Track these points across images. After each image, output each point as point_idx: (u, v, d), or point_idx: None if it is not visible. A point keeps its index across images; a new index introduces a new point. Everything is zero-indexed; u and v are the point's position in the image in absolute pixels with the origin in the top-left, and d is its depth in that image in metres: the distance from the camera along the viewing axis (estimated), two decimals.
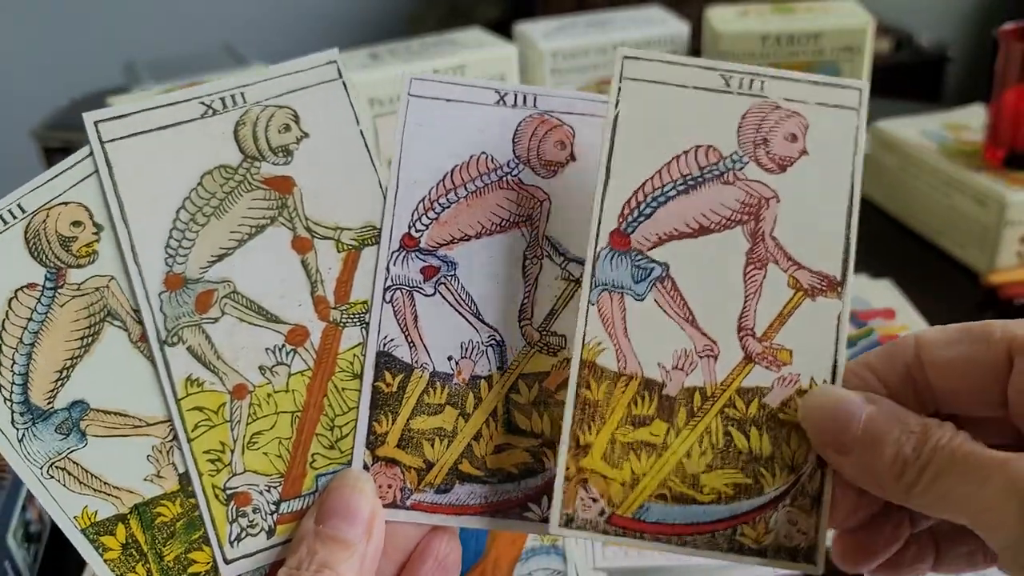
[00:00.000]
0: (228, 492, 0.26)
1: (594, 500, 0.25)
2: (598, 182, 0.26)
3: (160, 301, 0.26)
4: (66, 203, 0.26)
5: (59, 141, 0.71)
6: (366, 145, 0.28)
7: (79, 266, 0.26)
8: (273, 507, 0.27)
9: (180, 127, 0.27)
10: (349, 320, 0.28)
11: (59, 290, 0.26)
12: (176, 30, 1.58)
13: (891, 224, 0.69)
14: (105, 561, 0.26)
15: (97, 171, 0.26)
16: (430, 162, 0.28)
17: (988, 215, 0.59)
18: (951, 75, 1.62)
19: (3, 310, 0.26)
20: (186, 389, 0.26)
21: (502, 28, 0.68)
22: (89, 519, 0.26)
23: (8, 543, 0.40)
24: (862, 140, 0.27)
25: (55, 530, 0.44)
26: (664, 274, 0.26)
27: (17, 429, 0.26)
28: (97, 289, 0.26)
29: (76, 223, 0.26)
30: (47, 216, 0.26)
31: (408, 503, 0.27)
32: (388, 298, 0.28)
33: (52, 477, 0.26)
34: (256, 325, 0.27)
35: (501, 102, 0.28)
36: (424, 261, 0.28)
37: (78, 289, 0.26)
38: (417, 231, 0.28)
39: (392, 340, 0.28)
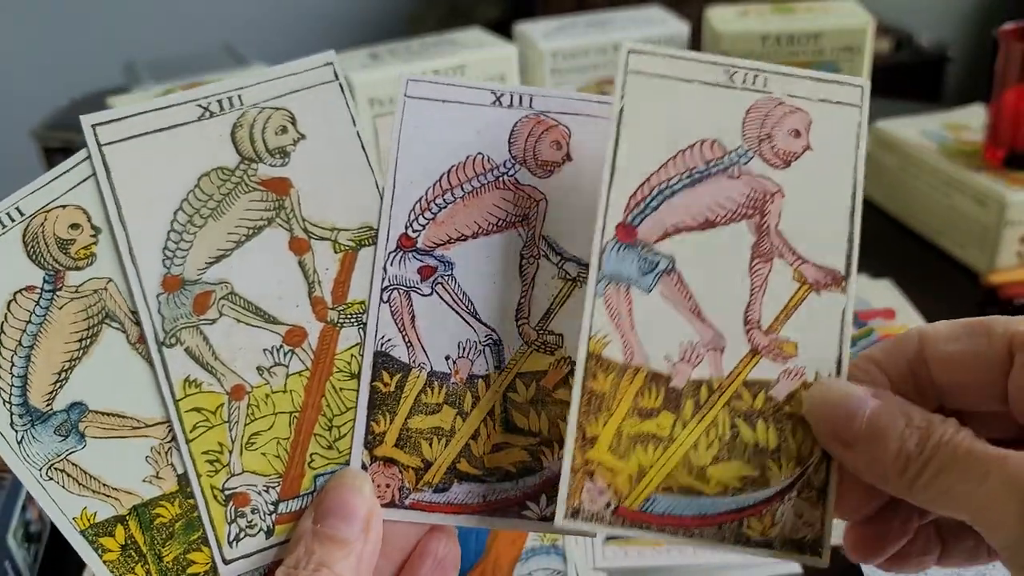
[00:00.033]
0: (227, 493, 0.27)
1: (600, 492, 0.25)
2: (603, 175, 0.26)
3: (158, 303, 0.26)
4: (64, 206, 0.26)
5: (59, 141, 0.71)
6: (363, 146, 0.28)
7: (77, 268, 0.26)
8: (271, 507, 0.27)
9: (177, 129, 0.27)
10: (346, 320, 0.28)
11: (57, 292, 0.26)
12: (176, 30, 1.58)
13: (891, 224, 0.69)
14: (104, 562, 0.26)
15: (95, 174, 0.26)
16: (427, 163, 0.28)
17: (988, 215, 0.59)
18: (951, 75, 1.62)
19: (2, 312, 0.26)
20: (184, 390, 0.26)
21: (502, 28, 0.68)
22: (88, 520, 0.26)
23: (8, 543, 0.40)
24: (864, 137, 0.27)
25: (55, 530, 0.44)
26: (670, 267, 0.26)
27: (16, 431, 0.26)
28: (95, 291, 0.26)
29: (74, 226, 0.26)
30: (45, 219, 0.26)
31: (406, 502, 0.27)
32: (385, 298, 0.28)
33: (51, 479, 0.26)
34: (254, 326, 0.27)
35: (497, 103, 0.29)
36: (421, 261, 0.28)
37: (76, 291, 0.26)
38: (414, 231, 0.28)
39: (389, 340, 0.28)
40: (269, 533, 0.27)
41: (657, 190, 0.26)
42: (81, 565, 0.41)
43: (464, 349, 0.28)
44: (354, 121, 0.28)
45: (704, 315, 0.26)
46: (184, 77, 0.64)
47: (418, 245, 0.28)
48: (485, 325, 0.28)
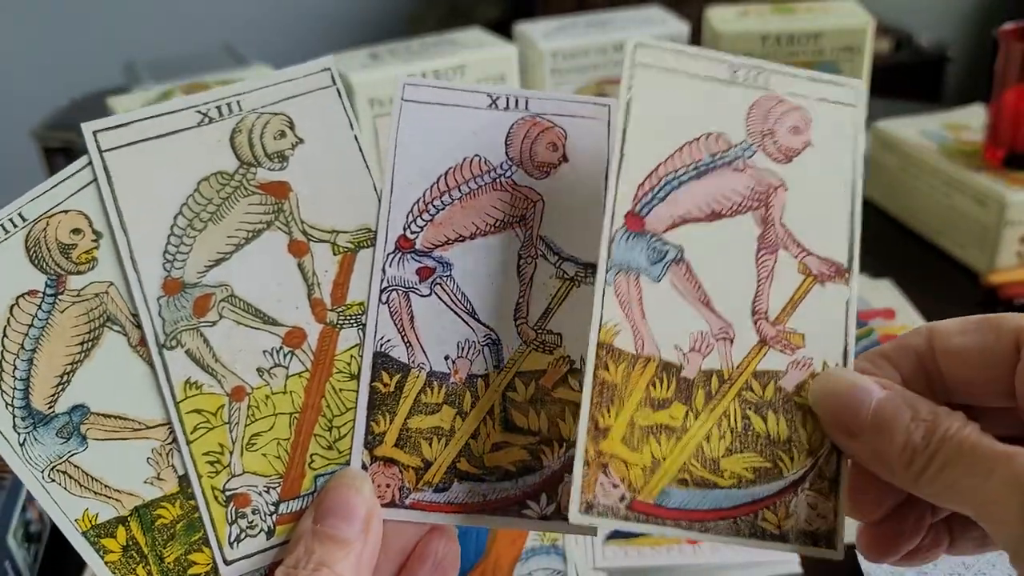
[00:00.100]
0: (227, 493, 0.27)
1: (615, 485, 0.25)
2: (611, 164, 0.26)
3: (159, 306, 0.27)
4: (66, 211, 0.26)
5: (59, 141, 0.71)
6: (360, 150, 0.29)
7: (79, 273, 0.26)
8: (272, 508, 0.27)
9: (177, 135, 0.27)
10: (346, 322, 0.28)
11: (59, 296, 0.26)
12: (176, 30, 1.58)
13: (891, 224, 0.69)
14: (106, 563, 0.26)
15: (96, 180, 0.27)
16: (424, 165, 0.28)
17: (988, 215, 0.59)
18: (951, 75, 1.62)
19: (5, 317, 0.26)
20: (185, 392, 0.27)
21: (502, 28, 0.68)
22: (90, 522, 0.26)
23: (8, 543, 0.40)
24: (861, 135, 0.28)
25: (55, 530, 0.44)
26: (679, 256, 0.26)
27: (19, 433, 0.26)
28: (97, 295, 0.27)
29: (76, 231, 0.26)
30: (47, 224, 0.26)
31: (407, 502, 0.27)
32: (384, 299, 0.28)
33: (53, 480, 0.26)
34: (254, 328, 0.27)
35: (493, 105, 0.29)
36: (420, 262, 0.28)
37: (78, 295, 0.26)
38: (412, 233, 0.28)
39: (389, 341, 0.28)
40: (270, 534, 0.27)
41: (664, 181, 0.27)
42: (81, 565, 0.41)
43: (463, 349, 0.28)
44: (352, 125, 0.28)
45: (713, 305, 0.26)
46: (184, 77, 0.64)
47: (416, 246, 0.28)
48: (484, 325, 0.28)
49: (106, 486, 0.26)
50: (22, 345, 0.26)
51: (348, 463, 0.27)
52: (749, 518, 0.25)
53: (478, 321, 0.28)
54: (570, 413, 0.28)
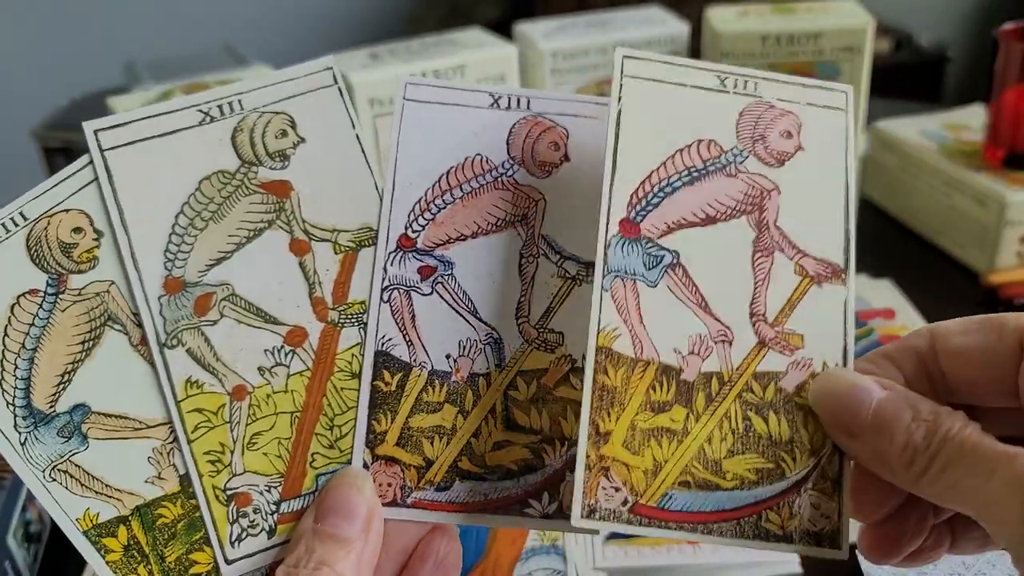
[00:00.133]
0: (228, 493, 0.27)
1: (616, 489, 0.25)
2: (605, 172, 0.27)
3: (160, 305, 0.27)
4: (67, 210, 0.26)
5: (59, 141, 0.71)
6: (362, 149, 0.29)
7: (80, 272, 0.26)
8: (273, 507, 0.27)
9: (178, 134, 0.27)
10: (347, 320, 0.28)
11: (60, 295, 0.26)
12: (176, 30, 1.58)
13: (891, 224, 0.69)
14: (107, 563, 0.26)
15: (97, 179, 0.27)
16: (426, 164, 0.28)
17: (988, 215, 0.59)
18: (951, 75, 1.62)
19: (6, 316, 0.26)
20: (186, 391, 0.27)
21: (502, 28, 0.68)
22: (91, 521, 0.26)
23: (8, 543, 0.40)
24: (852, 138, 0.28)
25: (55, 530, 0.44)
26: (675, 261, 0.27)
27: (20, 433, 0.26)
28: (98, 294, 0.27)
29: (77, 229, 0.26)
30: (48, 223, 0.26)
31: (408, 501, 0.27)
32: (386, 298, 0.28)
33: (54, 480, 0.26)
34: (255, 327, 0.27)
35: (495, 105, 0.29)
36: (421, 261, 0.28)
37: (79, 294, 0.26)
38: (414, 232, 0.28)
39: (390, 339, 0.28)
40: (271, 533, 0.27)
41: (658, 187, 0.27)
42: (81, 565, 0.41)
43: (465, 348, 0.28)
44: (353, 124, 0.28)
45: (711, 308, 0.26)
46: (184, 77, 0.64)
47: (418, 245, 0.28)
48: (485, 324, 0.28)
49: (107, 485, 0.26)
50: (23, 344, 0.26)
51: (349, 462, 0.27)
52: (752, 519, 0.25)
53: (479, 320, 0.28)
54: (572, 412, 0.28)
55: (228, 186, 0.27)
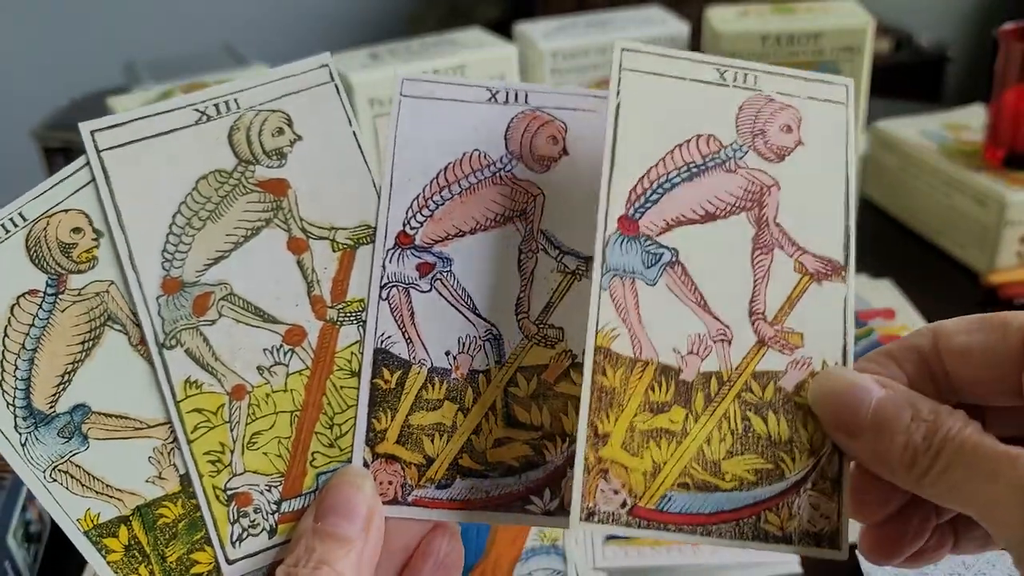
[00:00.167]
0: (229, 493, 0.27)
1: (615, 492, 0.25)
2: (603, 169, 0.26)
3: (158, 305, 0.27)
4: (66, 210, 0.26)
5: (59, 141, 0.71)
6: (359, 146, 0.28)
7: (79, 272, 0.26)
8: (274, 507, 0.27)
9: (175, 134, 0.27)
10: (346, 319, 0.28)
11: (60, 296, 0.26)
12: (176, 30, 1.58)
13: (891, 224, 0.69)
14: (108, 563, 0.26)
15: (94, 179, 0.27)
16: (423, 160, 0.28)
17: (988, 215, 0.59)
18: (951, 75, 1.62)
19: (5, 316, 0.26)
20: (185, 391, 0.27)
21: (502, 28, 0.68)
22: (92, 521, 0.26)
23: (8, 543, 0.40)
24: (852, 132, 0.28)
25: (55, 530, 0.44)
26: (674, 259, 0.26)
27: (20, 433, 0.26)
28: (97, 294, 0.26)
29: (76, 230, 0.26)
30: (48, 224, 0.26)
31: (409, 499, 0.27)
32: (384, 295, 0.28)
33: (55, 480, 0.26)
34: (253, 326, 0.27)
35: (493, 100, 0.29)
36: (419, 258, 0.28)
37: (79, 294, 0.26)
38: (412, 228, 0.28)
39: (389, 337, 0.28)
40: (272, 532, 0.27)
41: (657, 184, 0.27)
42: (81, 565, 0.41)
43: (464, 344, 0.28)
44: (350, 121, 0.28)
45: (710, 306, 0.26)
46: (184, 77, 0.64)
47: (416, 242, 0.28)
48: (485, 320, 0.28)
49: (108, 485, 0.26)
50: (23, 345, 0.26)
51: (350, 461, 0.27)
52: (752, 520, 0.25)
53: (479, 316, 0.28)
54: (572, 408, 0.27)
55: (225, 185, 0.27)
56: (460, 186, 0.28)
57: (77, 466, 0.26)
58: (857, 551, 0.27)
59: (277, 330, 0.27)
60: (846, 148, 0.28)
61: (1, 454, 0.26)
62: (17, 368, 0.26)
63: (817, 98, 0.28)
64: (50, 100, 0.84)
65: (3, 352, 0.26)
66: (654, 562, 0.39)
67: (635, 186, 0.26)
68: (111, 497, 0.26)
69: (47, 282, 0.26)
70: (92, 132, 0.27)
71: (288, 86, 0.28)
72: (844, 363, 0.26)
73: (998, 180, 0.59)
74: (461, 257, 0.28)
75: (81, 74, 1.13)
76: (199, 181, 0.27)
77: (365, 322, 0.28)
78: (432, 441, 0.27)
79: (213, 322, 0.27)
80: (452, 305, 0.28)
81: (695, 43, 0.63)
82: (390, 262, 0.28)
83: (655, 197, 0.27)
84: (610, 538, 0.40)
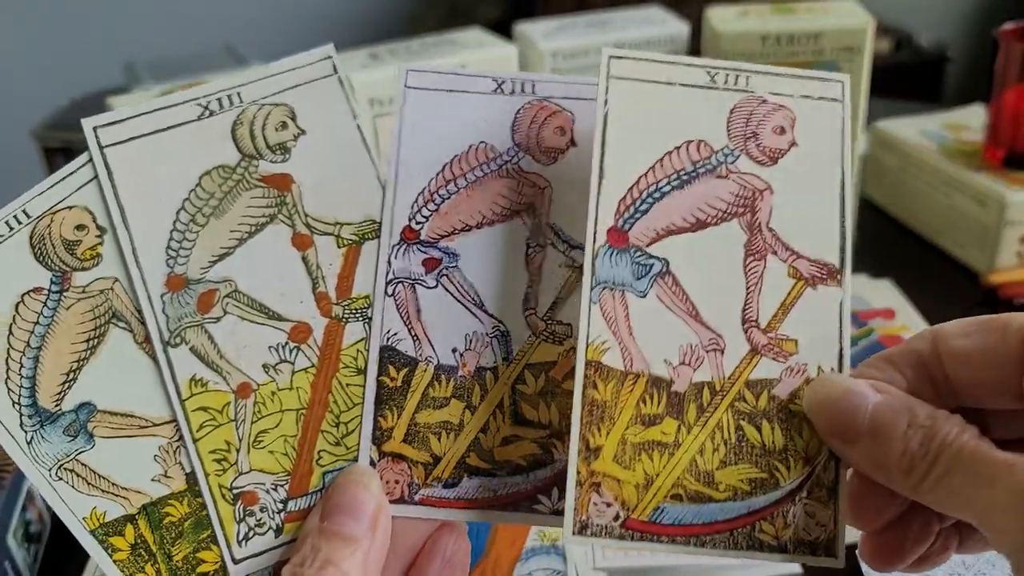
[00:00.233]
0: (235, 491, 0.26)
1: (608, 504, 0.25)
2: (592, 178, 0.26)
3: (162, 302, 0.26)
4: (70, 207, 0.26)
5: (59, 141, 0.71)
6: (364, 140, 0.28)
7: (84, 269, 0.26)
8: (280, 505, 0.27)
9: (178, 129, 0.27)
10: (351, 315, 0.28)
11: (64, 293, 0.26)
12: (176, 30, 1.58)
13: (891, 224, 0.69)
14: (114, 562, 0.26)
15: (97, 176, 0.26)
16: (429, 153, 0.28)
17: (988, 215, 0.59)
18: (951, 75, 1.62)
19: (10, 314, 0.26)
20: (190, 389, 0.26)
21: (502, 28, 0.68)
22: (98, 520, 0.26)
23: (8, 543, 0.40)
24: (848, 130, 0.27)
25: (55, 530, 0.44)
26: (665, 270, 0.26)
27: (26, 432, 0.26)
28: (102, 291, 0.26)
29: (80, 227, 0.26)
30: (51, 221, 0.26)
31: (416, 498, 0.27)
32: (390, 292, 0.28)
33: (61, 479, 0.26)
34: (258, 323, 0.27)
35: (499, 90, 0.28)
36: (425, 253, 0.28)
37: (83, 292, 0.26)
38: (417, 223, 0.28)
39: (395, 334, 0.28)
40: (278, 531, 0.27)
41: (646, 193, 0.26)
42: (81, 565, 0.41)
43: (471, 341, 0.27)
44: (354, 115, 0.28)
45: (702, 316, 0.26)
46: (184, 77, 0.64)
47: (422, 237, 0.28)
48: (492, 316, 0.28)
49: (114, 484, 0.26)
50: (28, 343, 0.26)
51: (356, 459, 0.27)
52: (746, 530, 0.25)
53: (486, 312, 0.28)
54: None
55: (229, 181, 0.27)
56: (466, 179, 0.28)
57: (83, 464, 0.26)
58: (859, 555, 0.26)
59: (282, 327, 0.27)
60: (842, 147, 0.27)
61: (7, 452, 0.25)
62: (22, 366, 0.26)
63: (812, 96, 0.27)
64: (50, 100, 0.83)
65: (8, 350, 0.26)
66: (654, 562, 0.39)
67: (624, 196, 0.26)
68: (117, 496, 0.26)
69: (51, 279, 0.26)
70: (95, 128, 0.27)
71: (291, 79, 0.28)
72: (840, 369, 0.26)
73: (998, 180, 0.60)
74: (468, 252, 0.28)
75: (81, 74, 1.13)
76: (202, 177, 0.27)
77: (371, 319, 0.28)
78: (439, 439, 0.27)
79: (218, 319, 0.27)
80: (459, 301, 0.28)
81: (695, 43, 0.63)
82: (396, 258, 0.28)
83: (644, 207, 0.26)
84: None
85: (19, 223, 0.26)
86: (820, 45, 0.59)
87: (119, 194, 0.26)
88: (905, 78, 1.54)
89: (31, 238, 0.26)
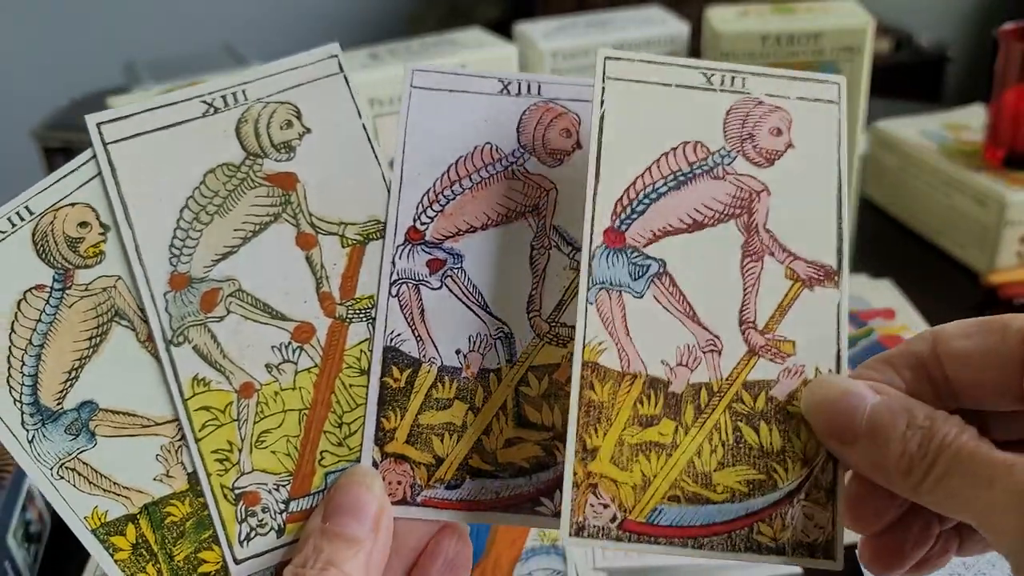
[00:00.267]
0: (237, 492, 0.26)
1: (605, 506, 0.25)
2: (588, 179, 0.26)
3: (165, 301, 0.26)
4: (73, 204, 0.26)
5: (59, 141, 0.71)
6: (369, 139, 0.28)
7: (86, 267, 0.26)
8: (282, 506, 0.27)
9: (182, 126, 0.27)
10: (355, 316, 0.28)
11: (67, 291, 0.26)
12: (176, 30, 1.58)
13: (891, 224, 0.69)
14: (116, 561, 0.26)
15: (100, 173, 0.26)
16: (434, 154, 0.28)
17: (988, 215, 0.59)
18: (951, 75, 1.63)
19: (12, 312, 0.26)
20: (193, 389, 0.26)
21: (502, 28, 0.68)
22: (99, 519, 0.26)
23: (8, 543, 0.40)
24: (844, 131, 0.27)
25: (55, 530, 0.44)
26: (662, 270, 0.26)
27: (27, 430, 0.26)
28: (104, 289, 0.26)
29: (83, 224, 0.26)
30: (54, 218, 0.26)
31: (418, 500, 0.27)
32: (394, 292, 0.28)
33: (62, 478, 0.26)
34: (262, 323, 0.27)
35: (505, 91, 0.28)
36: (430, 254, 0.28)
37: (86, 289, 0.26)
38: (422, 224, 0.28)
39: (399, 335, 0.27)
40: (280, 532, 0.27)
41: (643, 194, 0.26)
42: (81, 565, 0.41)
43: (475, 343, 0.27)
44: (360, 114, 0.28)
45: (699, 317, 0.26)
46: (184, 77, 0.64)
47: (427, 238, 0.28)
48: (496, 318, 0.28)
49: (115, 483, 0.26)
50: (30, 340, 0.26)
51: (358, 460, 0.27)
52: (744, 532, 0.25)
53: (490, 314, 0.28)
54: None
55: (233, 179, 0.27)
56: (471, 180, 0.28)
57: (85, 463, 0.26)
58: (859, 559, 0.26)
59: (286, 327, 0.27)
60: (838, 148, 0.27)
61: (8, 451, 0.25)
62: (24, 364, 0.26)
63: (808, 98, 0.27)
64: (50, 100, 0.83)
65: (10, 348, 0.26)
66: (654, 562, 0.39)
67: (621, 197, 0.26)
68: (119, 495, 0.26)
69: (54, 277, 0.26)
70: (98, 125, 0.26)
71: (296, 77, 0.28)
72: (838, 370, 0.26)
73: (998, 180, 0.60)
74: (472, 253, 0.28)
75: (81, 74, 1.13)
76: (207, 175, 0.27)
77: (375, 319, 0.28)
78: (442, 441, 0.27)
79: (221, 319, 0.27)
80: (463, 302, 0.28)
81: (695, 43, 0.63)
82: (400, 258, 0.28)
83: (641, 208, 0.26)
84: None
85: (22, 220, 0.26)
86: (820, 45, 0.59)
87: (122, 191, 0.26)
88: (905, 78, 1.54)
89: (34, 235, 0.26)
